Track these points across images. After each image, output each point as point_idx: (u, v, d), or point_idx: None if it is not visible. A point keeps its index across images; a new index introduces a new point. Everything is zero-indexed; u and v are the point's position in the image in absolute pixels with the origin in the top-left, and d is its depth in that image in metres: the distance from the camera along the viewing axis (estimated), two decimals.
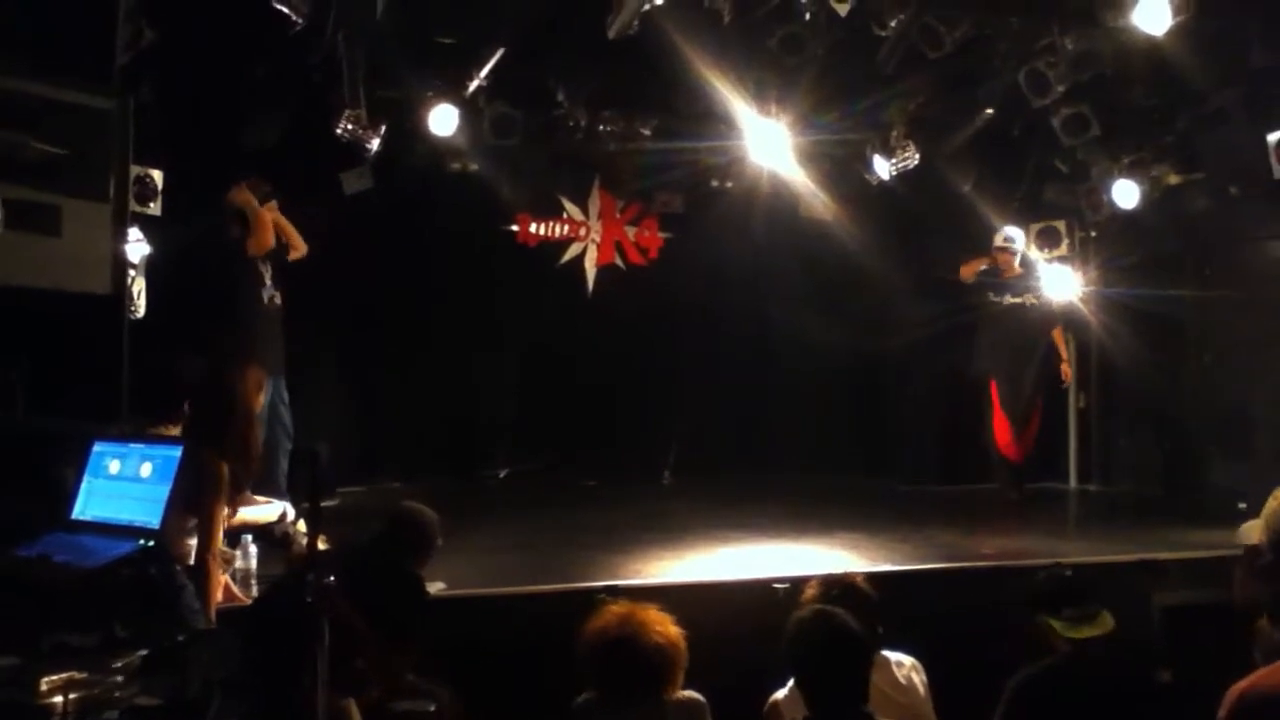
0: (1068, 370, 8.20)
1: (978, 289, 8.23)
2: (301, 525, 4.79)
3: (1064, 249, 8.45)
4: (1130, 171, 7.87)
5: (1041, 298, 8.03)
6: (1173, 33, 6.21)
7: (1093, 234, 8.72)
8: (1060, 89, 6.91)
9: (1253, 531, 2.32)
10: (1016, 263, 8.07)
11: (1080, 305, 8.38)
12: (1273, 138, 6.82)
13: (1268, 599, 2.20)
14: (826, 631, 3.18)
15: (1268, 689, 2.06)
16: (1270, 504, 2.25)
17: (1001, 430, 8.03)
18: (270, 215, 6.30)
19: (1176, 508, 7.47)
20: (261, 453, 4.79)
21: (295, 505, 5.44)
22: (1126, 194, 7.83)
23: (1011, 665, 3.74)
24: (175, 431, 4.58)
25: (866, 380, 9.53)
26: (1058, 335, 8.16)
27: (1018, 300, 8.03)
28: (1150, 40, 6.33)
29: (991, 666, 3.79)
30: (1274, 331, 7.67)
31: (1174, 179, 8.04)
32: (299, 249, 6.52)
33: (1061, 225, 8.48)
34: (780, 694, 3.54)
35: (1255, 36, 6.64)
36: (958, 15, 6.50)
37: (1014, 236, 8.08)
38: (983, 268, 8.10)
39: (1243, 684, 2.08)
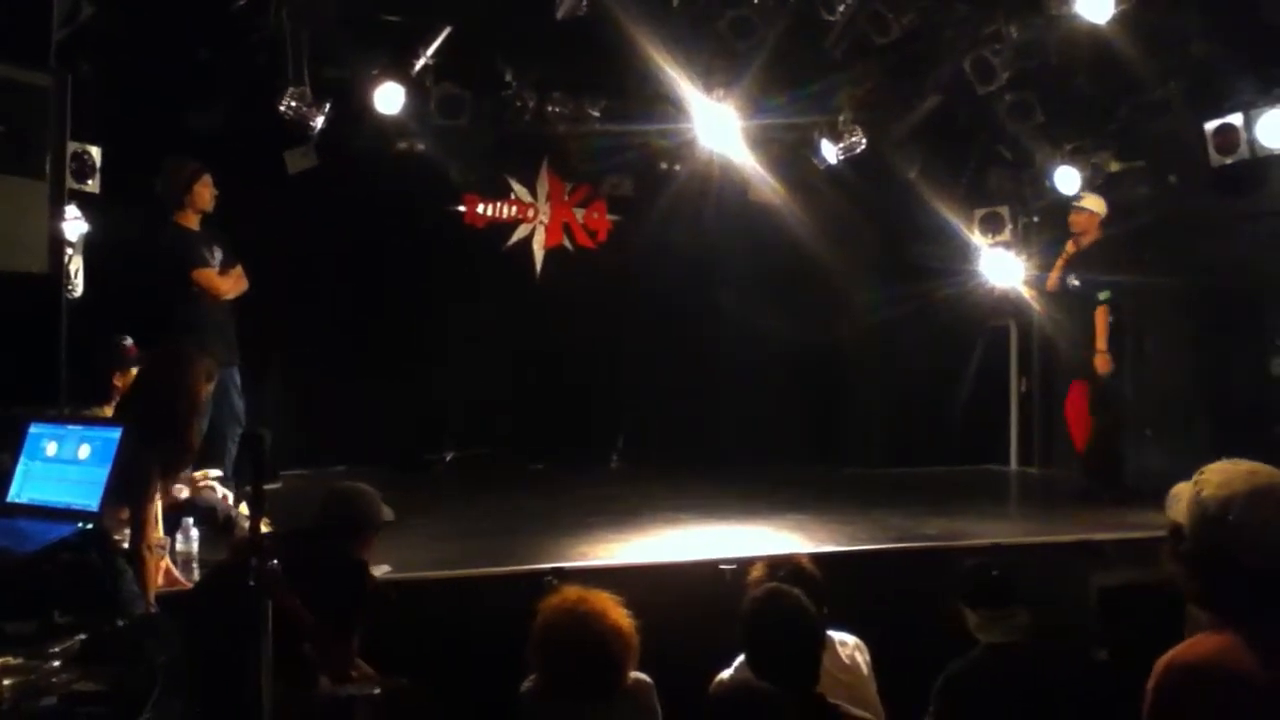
0: (1099, 362, 7.12)
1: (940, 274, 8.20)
2: (244, 509, 4.75)
3: (1007, 234, 8.56)
4: (1072, 158, 7.98)
5: (1085, 277, 7.22)
6: (1115, 23, 6.32)
7: (1035, 219, 8.83)
8: (1005, 76, 7.00)
9: (1174, 499, 2.35)
10: (1097, 228, 7.33)
11: (1022, 290, 8.46)
12: (1210, 127, 6.96)
13: (1193, 585, 2.25)
14: (781, 611, 3.20)
15: (1193, 658, 2.12)
16: (1186, 487, 2.29)
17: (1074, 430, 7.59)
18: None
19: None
20: (200, 441, 4.73)
21: (238, 489, 5.39)
22: (1068, 180, 7.94)
23: (954, 646, 3.80)
24: (109, 412, 4.51)
25: (814, 364, 9.59)
26: (1098, 318, 7.16)
27: (1075, 283, 7.28)
28: (1093, 29, 6.43)
29: (934, 647, 3.84)
30: (1210, 317, 7.83)
31: (1115, 166, 8.18)
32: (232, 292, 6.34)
33: (1004, 211, 8.59)
34: (726, 673, 3.57)
35: (1195, 27, 6.76)
36: (905, 2, 6.56)
37: (1085, 194, 7.53)
38: (1062, 262, 7.36)
39: (1169, 654, 2.14)
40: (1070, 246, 7.42)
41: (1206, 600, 2.22)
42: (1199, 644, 2.14)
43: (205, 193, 6.13)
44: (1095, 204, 7.46)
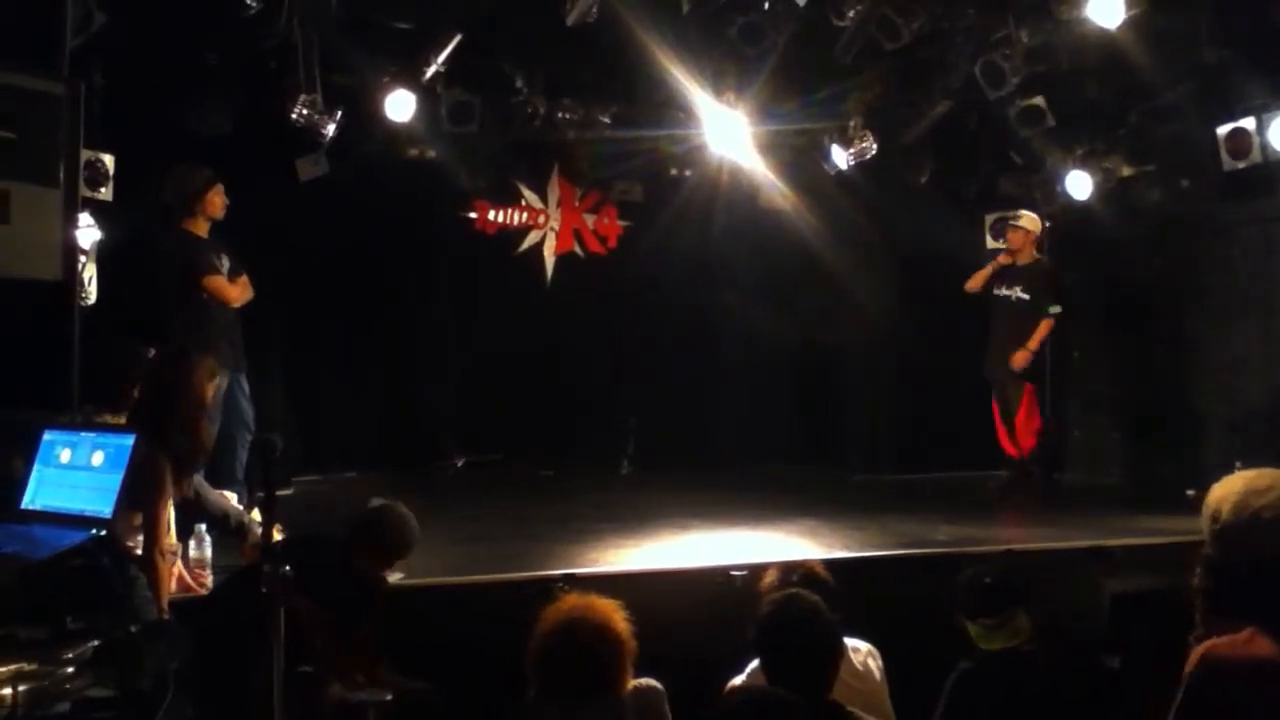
0: (1019, 357, 7.59)
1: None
2: (256, 515, 4.76)
3: None
4: (1083, 163, 7.97)
5: (1031, 291, 7.65)
6: (1126, 27, 6.30)
7: (1046, 224, 8.80)
8: (1015, 81, 6.99)
9: None
10: (1032, 245, 7.78)
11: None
12: (1222, 131, 6.94)
13: (1208, 589, 2.25)
14: (799, 616, 3.19)
15: (1232, 653, 2.13)
16: (1213, 492, 2.30)
17: (1000, 427, 7.94)
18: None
19: (1128, 495, 7.59)
20: (213, 444, 4.74)
21: (250, 494, 5.40)
22: (1080, 185, 7.93)
23: (966, 652, 3.79)
24: (123, 419, 4.53)
25: (824, 369, 9.59)
26: (1042, 326, 7.62)
27: (1007, 293, 7.73)
28: (1104, 34, 6.42)
29: (946, 653, 3.83)
30: (1222, 322, 7.81)
31: (1126, 171, 8.16)
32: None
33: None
34: (738, 680, 3.56)
35: (1206, 32, 6.74)
36: (915, 7, 6.56)
37: (1023, 213, 7.85)
38: (990, 271, 7.81)
39: (1208, 644, 2.16)
40: (1003, 258, 7.82)
41: (1222, 603, 2.23)
42: (1234, 638, 2.17)
43: (218, 201, 6.15)
44: (1031, 223, 7.79)
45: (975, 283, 7.91)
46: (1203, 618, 2.33)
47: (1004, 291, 7.76)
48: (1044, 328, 7.63)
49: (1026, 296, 7.65)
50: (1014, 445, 7.87)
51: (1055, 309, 7.62)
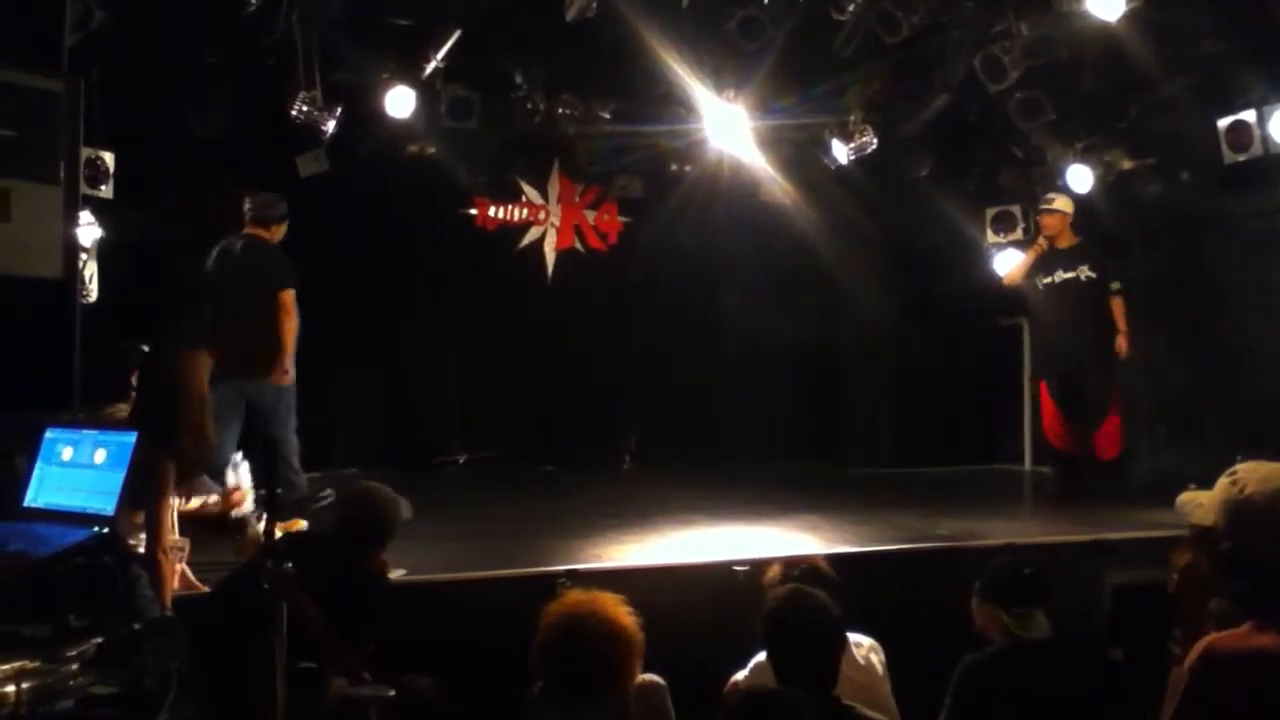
0: (1124, 343, 7.23)
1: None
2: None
3: (1019, 233, 8.52)
4: (1084, 156, 7.96)
5: (1098, 269, 7.28)
6: (1125, 20, 6.29)
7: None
8: (1015, 74, 6.99)
9: (1194, 505, 2.33)
10: (1069, 228, 7.38)
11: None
12: (1222, 123, 6.93)
13: (1235, 585, 2.23)
14: (805, 611, 3.20)
15: (1235, 646, 2.13)
16: (1223, 488, 2.27)
17: (1052, 422, 7.51)
18: None
19: (1128, 489, 7.58)
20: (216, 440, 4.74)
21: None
22: (1080, 179, 7.92)
23: (968, 646, 3.78)
24: (124, 411, 4.54)
25: (824, 364, 9.59)
26: (1117, 307, 7.27)
27: (1070, 276, 7.29)
28: (1103, 27, 6.41)
29: (949, 648, 3.83)
30: (1223, 315, 7.80)
31: (1127, 164, 8.14)
32: None
33: (1016, 210, 8.55)
34: (740, 675, 3.56)
35: (1206, 24, 6.73)
36: (915, 1, 6.55)
37: (1055, 196, 7.50)
38: (1031, 260, 7.44)
39: (1212, 637, 2.15)
40: (1041, 244, 7.47)
41: (1250, 599, 2.20)
42: (1233, 631, 2.17)
43: (282, 234, 6.41)
44: (1065, 204, 7.48)
45: (1017, 274, 7.60)
46: (1185, 617, 2.32)
47: (1062, 276, 7.31)
48: (1121, 307, 7.27)
49: (1095, 275, 7.29)
50: (1075, 443, 7.44)
51: (1117, 284, 7.32)
